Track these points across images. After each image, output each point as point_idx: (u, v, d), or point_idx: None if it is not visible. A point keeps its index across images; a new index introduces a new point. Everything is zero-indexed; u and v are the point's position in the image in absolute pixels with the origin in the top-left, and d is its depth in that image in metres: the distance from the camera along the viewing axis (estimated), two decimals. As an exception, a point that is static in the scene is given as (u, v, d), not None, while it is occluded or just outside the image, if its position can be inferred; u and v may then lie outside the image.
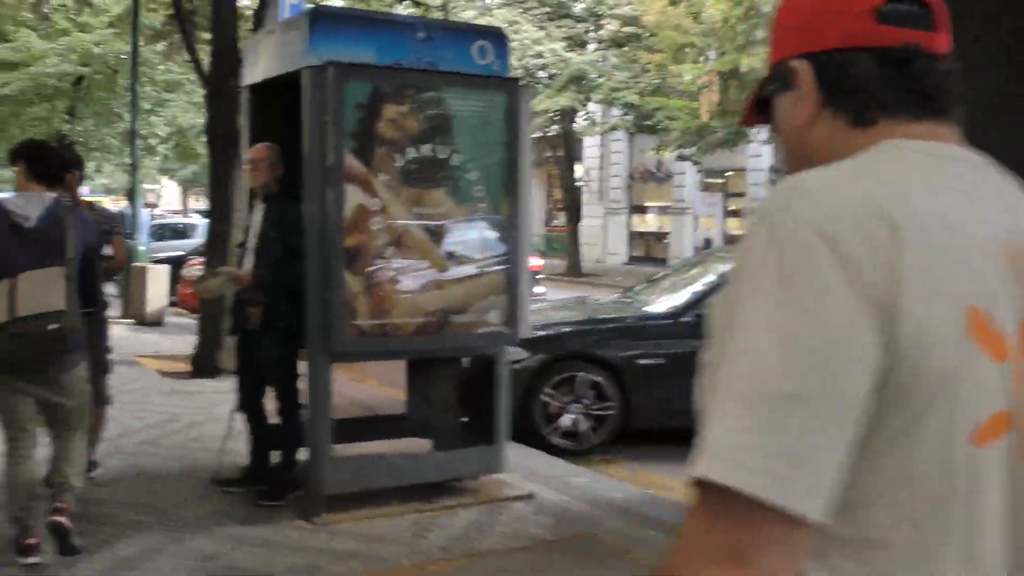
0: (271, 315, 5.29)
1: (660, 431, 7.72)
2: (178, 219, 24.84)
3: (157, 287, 14.04)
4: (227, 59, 9.95)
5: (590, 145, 34.05)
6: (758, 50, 19.33)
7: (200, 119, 19.36)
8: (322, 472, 5.24)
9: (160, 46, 14.57)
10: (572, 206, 28.51)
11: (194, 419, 7.69)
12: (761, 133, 22.33)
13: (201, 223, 25.63)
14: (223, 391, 8.90)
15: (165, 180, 50.10)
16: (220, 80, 10.00)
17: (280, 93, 5.86)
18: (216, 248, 10.17)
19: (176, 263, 16.82)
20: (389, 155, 5.22)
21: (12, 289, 4.20)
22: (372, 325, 5.18)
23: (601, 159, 35.12)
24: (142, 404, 8.25)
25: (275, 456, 5.66)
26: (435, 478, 5.68)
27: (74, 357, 4.48)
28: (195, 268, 15.45)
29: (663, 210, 33.73)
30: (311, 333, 5.13)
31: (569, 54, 25.01)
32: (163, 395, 8.68)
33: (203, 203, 50.91)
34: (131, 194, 14.53)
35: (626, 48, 25.69)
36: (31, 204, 4.46)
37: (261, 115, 5.99)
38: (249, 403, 5.62)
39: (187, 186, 43.92)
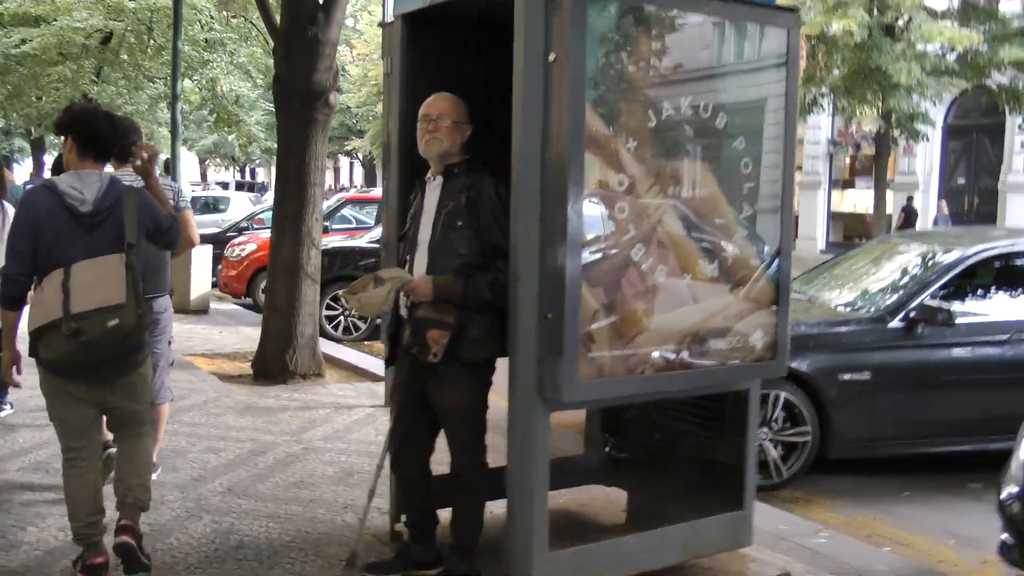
0: (462, 343, 3.64)
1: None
2: (209, 191, 23.22)
3: (201, 270, 12.41)
4: (306, 0, 8.27)
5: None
6: (849, 12, 17.57)
7: (242, 82, 17.63)
8: (532, 565, 3.60)
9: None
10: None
11: (288, 450, 6.05)
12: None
13: (234, 196, 24.12)
14: (308, 404, 7.30)
15: (183, 151, 48.40)
16: (295, 26, 8.31)
17: (441, 28, 4.21)
18: (285, 230, 8.52)
19: (212, 241, 15.23)
20: (642, 112, 3.56)
21: (66, 281, 3.76)
22: (614, 359, 3.53)
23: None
24: (214, 427, 6.62)
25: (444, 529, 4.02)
26: (676, 560, 4.04)
27: (138, 356, 4.00)
28: (238, 247, 13.88)
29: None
30: (522, 373, 3.49)
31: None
32: (236, 413, 7.04)
33: (224, 175, 49.40)
34: (171, 165, 12.83)
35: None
36: (87, 184, 3.92)
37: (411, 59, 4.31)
38: (412, 459, 3.96)
39: (207, 157, 42.19)
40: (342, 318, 11.44)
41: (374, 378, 8.53)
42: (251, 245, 13.91)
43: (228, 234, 16.35)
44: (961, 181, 26.01)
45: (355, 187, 49.83)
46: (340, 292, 3.43)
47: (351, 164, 51.93)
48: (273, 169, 43.41)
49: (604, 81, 3.47)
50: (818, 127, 27.49)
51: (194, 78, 16.32)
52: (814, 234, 28.39)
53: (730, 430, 4.25)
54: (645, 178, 3.56)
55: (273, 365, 8.51)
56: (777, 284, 4.00)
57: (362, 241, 12.06)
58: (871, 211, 21.47)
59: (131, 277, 3.80)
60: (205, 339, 10.43)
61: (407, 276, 3.66)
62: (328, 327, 11.24)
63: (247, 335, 10.74)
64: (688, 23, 3.69)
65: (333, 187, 49.72)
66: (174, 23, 12.09)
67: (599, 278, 3.46)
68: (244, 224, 16.88)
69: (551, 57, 3.37)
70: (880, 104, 18.94)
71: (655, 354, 3.64)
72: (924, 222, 24.43)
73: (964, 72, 18.54)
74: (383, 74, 4.41)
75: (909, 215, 23.45)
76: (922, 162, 25.69)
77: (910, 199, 24.07)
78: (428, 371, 3.69)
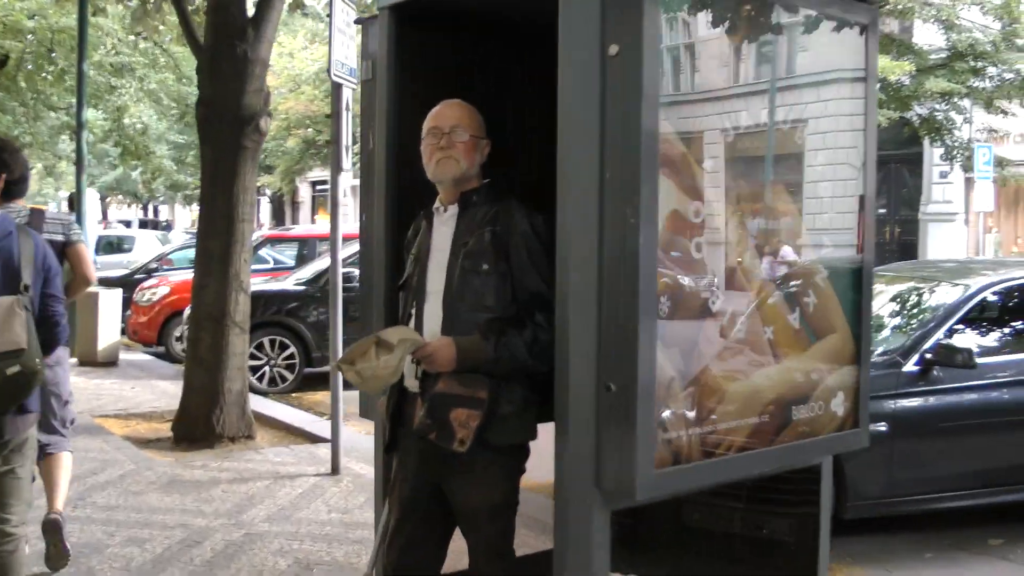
0: (491, 423, 2.77)
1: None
2: (111, 230, 21.76)
3: (109, 317, 11.23)
4: (233, 12, 7.36)
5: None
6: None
7: (152, 111, 16.42)
8: None
9: (120, 7, 11.60)
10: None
11: (228, 538, 5.06)
12: None
13: (140, 235, 22.73)
14: (242, 474, 6.30)
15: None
16: (221, 42, 7.39)
17: (434, 27, 3.39)
18: (209, 272, 7.54)
19: (120, 284, 14.04)
20: (720, 124, 2.78)
21: None
22: (691, 438, 2.72)
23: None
24: (135, 509, 5.59)
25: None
26: None
27: (32, 412, 3.53)
28: (148, 291, 12.75)
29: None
30: (573, 460, 2.65)
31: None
32: (160, 489, 6.01)
33: (126, 212, 47.35)
34: (75, 200, 11.63)
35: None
36: None
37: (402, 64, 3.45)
38: (419, 573, 3.04)
39: (108, 194, 40.33)
40: (267, 368, 10.40)
41: (312, 439, 7.57)
42: (163, 288, 12.80)
43: (136, 276, 15.14)
44: (881, 211, 26.09)
45: (262, 225, 48.32)
46: (333, 363, 2.50)
47: (258, 201, 50.36)
48: (177, 207, 41.40)
49: (675, 84, 2.68)
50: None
51: (98, 107, 15.07)
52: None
53: (793, 503, 3.47)
54: (723, 207, 2.78)
55: (197, 427, 7.48)
56: (859, 336, 3.24)
57: (288, 283, 11.06)
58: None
59: (28, 320, 3.37)
60: (116, 397, 9.30)
61: (420, 339, 2.78)
62: (252, 378, 10.20)
63: (163, 390, 9.65)
64: (767, 15, 2.93)
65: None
66: (79, 44, 10.97)
67: (674, 334, 2.65)
68: (153, 265, 15.68)
69: (612, 50, 2.57)
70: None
71: (736, 429, 2.83)
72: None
73: (891, 103, 18.38)
74: (361, 81, 3.54)
75: None
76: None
77: None
78: (448, 461, 2.82)
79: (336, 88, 6.21)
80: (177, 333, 12.48)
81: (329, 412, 9.27)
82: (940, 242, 23.69)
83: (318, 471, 6.44)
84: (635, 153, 2.53)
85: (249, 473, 6.39)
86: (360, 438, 7.50)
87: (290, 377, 10.44)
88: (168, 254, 16.85)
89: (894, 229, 25.55)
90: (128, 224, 30.74)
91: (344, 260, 10.93)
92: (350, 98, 6.31)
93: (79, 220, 11.47)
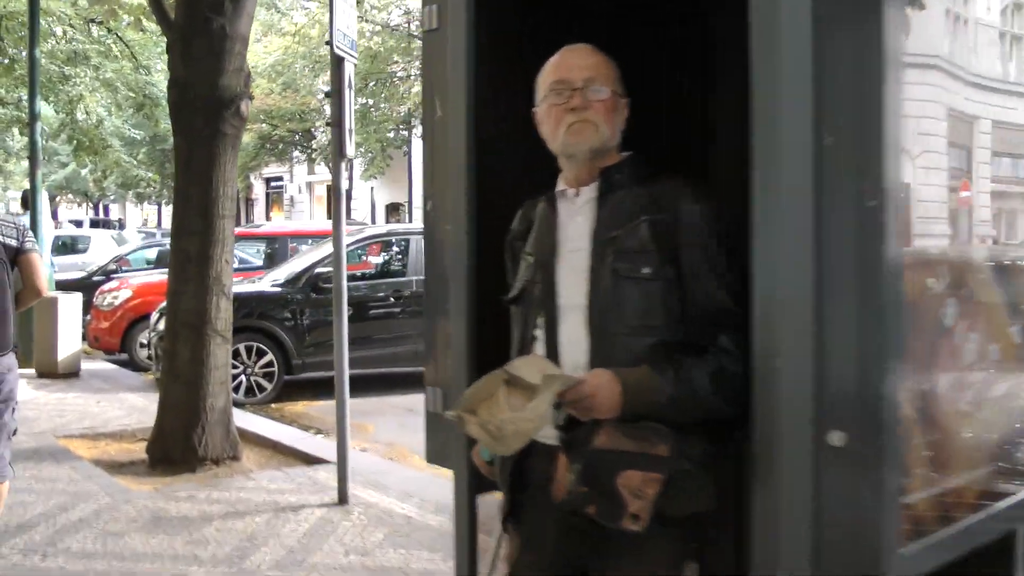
0: (669, 490, 1.97)
1: None
2: (62, 230, 20.62)
3: (69, 325, 10.28)
4: (211, -16, 6.52)
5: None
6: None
7: (108, 101, 15.37)
8: None
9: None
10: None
11: (232, 591, 4.27)
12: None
13: (95, 235, 21.60)
14: (235, 506, 5.48)
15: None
16: (194, 16, 6.54)
17: None
18: (186, 275, 6.71)
19: (78, 288, 13.10)
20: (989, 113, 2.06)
21: None
22: (929, 502, 1.99)
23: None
24: (116, 556, 4.76)
25: None
26: None
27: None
28: (110, 295, 11.84)
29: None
30: (787, 534, 1.90)
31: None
32: (143, 529, 5.17)
33: (76, 212, 45.80)
34: (30, 198, 10.63)
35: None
36: None
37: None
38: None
39: (57, 193, 38.89)
40: (243, 377, 9.54)
41: (306, 459, 6.77)
42: (125, 291, 11.89)
43: (94, 279, 14.18)
44: None
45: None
46: (448, 413, 1.74)
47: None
48: (128, 205, 40.27)
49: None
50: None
51: (50, 99, 14.05)
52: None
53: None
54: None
55: (176, 448, 6.64)
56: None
57: (264, 284, 10.20)
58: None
59: None
60: (81, 413, 8.40)
61: (569, 375, 2.00)
62: (229, 388, 9.35)
63: (132, 405, 8.78)
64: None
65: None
66: (30, 28, 10.00)
67: (912, 365, 1.91)
68: (112, 267, 14.71)
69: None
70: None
71: (967, 485, 2.11)
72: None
73: None
74: (423, 32, 2.76)
75: None
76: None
77: None
78: (606, 541, 2.03)
79: (337, 63, 5.41)
80: (142, 339, 11.60)
81: (316, 426, 8.53)
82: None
83: (322, 500, 5.64)
84: (877, 111, 1.78)
85: (243, 505, 5.58)
86: (361, 457, 6.72)
87: (268, 386, 9.59)
88: (126, 254, 15.88)
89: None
90: (79, 224, 29.50)
91: (321, 261, 10.15)
92: (352, 74, 5.50)
93: (34, 219, 10.56)
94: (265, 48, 27.18)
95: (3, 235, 4.26)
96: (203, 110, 6.60)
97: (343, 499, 5.57)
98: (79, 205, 46.93)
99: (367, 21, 24.52)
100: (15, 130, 18.21)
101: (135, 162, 18.76)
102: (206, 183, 6.66)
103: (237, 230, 18.25)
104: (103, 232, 22.99)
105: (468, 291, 2.52)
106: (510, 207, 2.44)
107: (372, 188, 37.24)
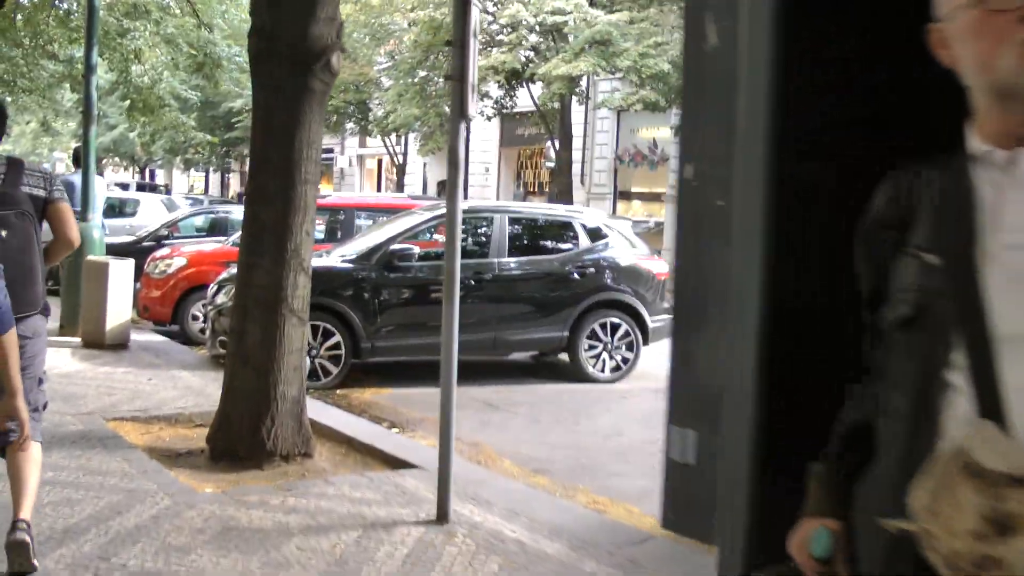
0: None
1: None
2: (115, 193, 19.96)
3: (120, 293, 9.57)
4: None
5: (574, 123, 30.27)
6: None
7: (165, 66, 14.62)
8: None
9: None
10: (564, 192, 24.49)
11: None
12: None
13: (144, 199, 20.99)
14: (315, 517, 4.66)
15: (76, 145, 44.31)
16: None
17: None
18: (260, 247, 5.94)
19: (128, 252, 12.44)
20: None
21: None
22: None
23: (584, 139, 31.24)
24: None
25: None
26: None
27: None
28: (162, 263, 11.16)
29: (655, 196, 30.26)
30: None
31: (596, 11, 21.01)
32: (210, 543, 4.39)
33: (122, 176, 45.42)
34: (82, 154, 9.92)
35: (653, 11, 21.85)
36: None
37: None
38: None
39: (104, 156, 38.46)
40: (307, 358, 8.77)
41: (386, 460, 6.01)
42: (178, 260, 11.20)
43: (144, 244, 13.51)
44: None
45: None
46: (895, 523, 1.07)
47: (242, 174, 48.38)
48: (175, 172, 39.82)
49: None
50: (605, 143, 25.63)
51: (105, 56, 13.33)
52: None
53: None
54: None
55: (241, 440, 5.91)
56: None
57: (332, 259, 9.40)
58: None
59: None
60: (132, 392, 7.67)
61: None
62: (291, 371, 8.59)
63: (187, 384, 8.06)
64: None
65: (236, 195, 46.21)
66: (91, -30, 9.26)
67: None
68: (163, 232, 14.04)
69: None
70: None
71: None
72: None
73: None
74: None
75: None
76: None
77: None
78: None
79: (462, 7, 4.58)
80: (195, 311, 10.92)
81: (387, 418, 7.75)
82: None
83: (417, 516, 4.85)
84: None
85: (326, 518, 4.80)
86: (457, 464, 5.93)
87: (334, 371, 8.82)
88: (178, 220, 15.20)
89: None
90: (125, 187, 28.93)
91: (397, 236, 9.37)
92: (478, 22, 4.68)
93: (86, 178, 9.86)
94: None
95: (30, 185, 4.01)
96: (289, 62, 5.83)
97: (443, 517, 4.78)
98: (125, 169, 46.57)
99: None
100: (66, 87, 17.51)
101: (193, 123, 17.94)
102: (288, 144, 5.89)
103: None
104: (152, 196, 22.35)
105: (763, 300, 1.69)
106: (829, 180, 1.61)
107: (425, 164, 36.53)
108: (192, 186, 48.89)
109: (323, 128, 6.33)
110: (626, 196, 31.43)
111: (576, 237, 9.88)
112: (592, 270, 9.66)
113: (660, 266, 10.16)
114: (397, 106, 25.60)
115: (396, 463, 5.92)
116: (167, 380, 8.22)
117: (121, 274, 9.56)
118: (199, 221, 15.60)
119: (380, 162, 38.14)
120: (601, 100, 24.35)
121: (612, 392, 9.25)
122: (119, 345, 9.48)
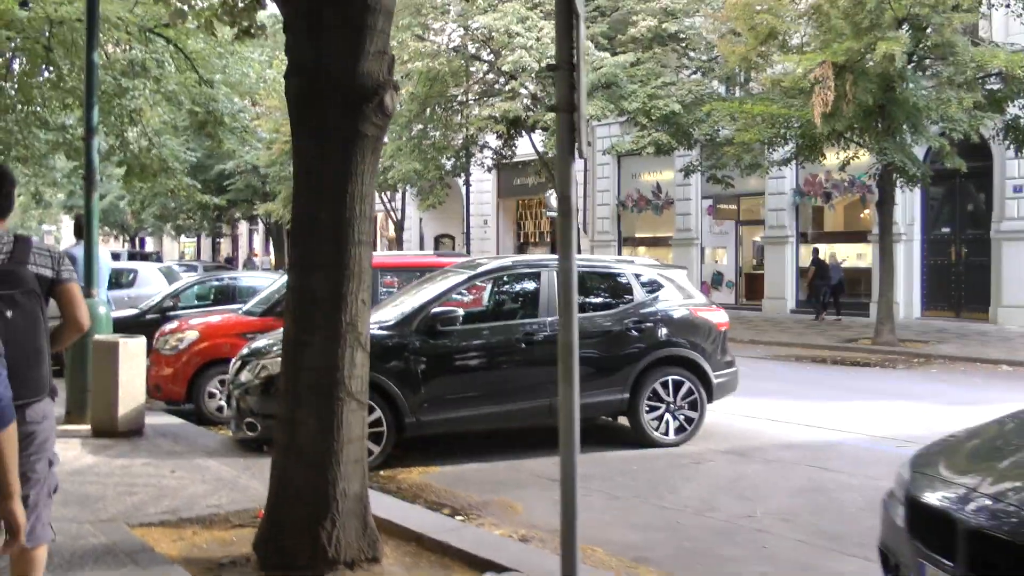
0: None
1: None
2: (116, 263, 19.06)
3: (132, 373, 8.67)
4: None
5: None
6: (889, 35, 15.03)
7: (164, 127, 13.78)
8: None
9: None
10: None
11: None
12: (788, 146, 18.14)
13: (142, 268, 20.11)
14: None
15: (65, 219, 43.46)
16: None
17: None
18: (311, 322, 5.10)
19: (135, 326, 11.59)
20: None
21: None
22: None
23: (586, 186, 30.62)
24: None
25: None
26: None
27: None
28: (173, 337, 10.31)
29: (660, 241, 29.58)
30: None
31: (602, 54, 20.40)
32: None
33: (113, 244, 44.55)
34: (83, 225, 9.05)
35: (658, 50, 21.30)
36: None
37: None
38: None
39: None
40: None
41: (466, 560, 5.15)
42: (191, 333, 10.33)
43: (148, 317, 12.64)
44: (946, 230, 23.83)
45: (256, 255, 45.58)
46: None
47: (250, 231, 47.65)
48: (164, 239, 38.97)
49: None
50: (782, 176, 24.95)
51: (101, 119, 12.50)
52: (783, 292, 25.79)
53: None
54: None
55: (297, 547, 5.06)
56: None
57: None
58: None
59: None
60: (156, 489, 6.75)
61: None
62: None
63: (217, 475, 7.15)
64: None
65: (243, 256, 45.44)
66: (88, 28, 8.43)
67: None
68: (168, 303, 13.16)
69: None
70: (886, 143, 16.51)
71: None
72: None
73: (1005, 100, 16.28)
74: None
75: (820, 267, 22.98)
76: (901, 212, 23.23)
77: (816, 251, 23.77)
78: None
79: (567, 18, 3.77)
80: (211, 388, 10.03)
81: (446, 503, 6.85)
82: (1018, 262, 21.39)
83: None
84: None
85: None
86: (537, 557, 5.06)
87: (376, 449, 7.90)
88: (180, 291, 14.31)
89: (960, 249, 23.26)
90: (116, 256, 28.08)
91: (437, 298, 8.48)
92: (585, 36, 3.88)
93: (88, 248, 9.01)
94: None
95: (37, 264, 3.85)
96: (338, 104, 5.04)
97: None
98: (116, 238, 45.74)
99: (424, 40, 23.14)
100: (58, 156, 16.69)
101: (198, 186, 17.07)
102: (339, 200, 5.09)
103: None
104: (149, 265, 21.46)
105: None
106: None
107: (420, 220, 35.82)
108: (183, 252, 48.06)
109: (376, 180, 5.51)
110: (631, 242, 30.77)
111: (630, 289, 9.06)
112: (649, 324, 8.84)
113: (720, 316, 9.33)
114: (394, 162, 24.90)
115: (480, 564, 5.04)
116: (193, 471, 7.31)
117: (133, 353, 8.67)
118: (202, 289, 14.75)
119: (375, 219, 37.45)
120: (611, 145, 23.64)
121: (683, 457, 8.37)
122: (133, 432, 8.57)
